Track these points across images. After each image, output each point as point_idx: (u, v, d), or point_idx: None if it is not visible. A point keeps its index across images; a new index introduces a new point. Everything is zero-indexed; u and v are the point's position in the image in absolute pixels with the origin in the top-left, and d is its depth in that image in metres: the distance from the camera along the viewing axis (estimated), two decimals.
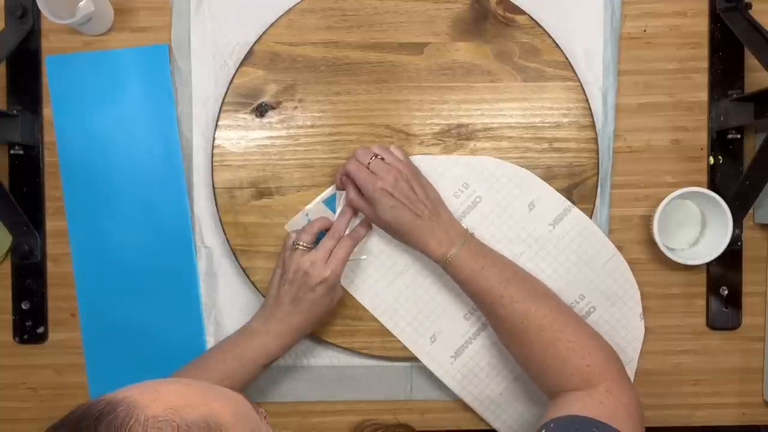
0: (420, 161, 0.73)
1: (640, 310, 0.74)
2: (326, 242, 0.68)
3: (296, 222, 0.73)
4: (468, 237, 0.68)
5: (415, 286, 0.73)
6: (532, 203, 0.73)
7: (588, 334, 0.64)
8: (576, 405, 0.58)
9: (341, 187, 0.71)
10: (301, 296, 0.66)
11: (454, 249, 0.67)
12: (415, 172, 0.69)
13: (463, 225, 0.70)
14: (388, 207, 0.67)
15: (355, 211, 0.71)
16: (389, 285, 0.73)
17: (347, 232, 0.70)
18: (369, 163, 0.68)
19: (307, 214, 0.73)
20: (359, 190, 0.69)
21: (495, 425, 0.74)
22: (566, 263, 0.73)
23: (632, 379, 0.74)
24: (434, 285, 0.73)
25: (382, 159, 0.68)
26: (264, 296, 0.74)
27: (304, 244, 0.68)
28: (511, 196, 0.73)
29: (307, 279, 0.66)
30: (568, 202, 0.73)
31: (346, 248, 0.68)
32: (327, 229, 0.70)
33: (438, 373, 0.73)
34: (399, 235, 0.69)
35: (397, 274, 0.73)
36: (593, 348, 0.63)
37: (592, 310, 0.73)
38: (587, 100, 0.74)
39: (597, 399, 0.59)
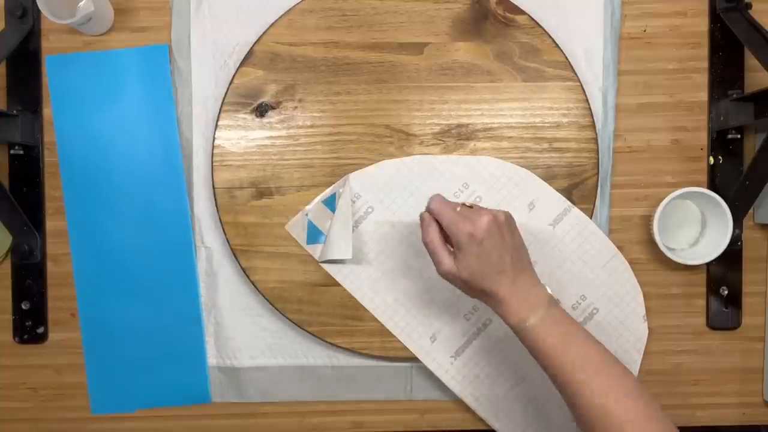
0: (420, 161, 0.73)
1: (643, 311, 0.74)
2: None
3: (296, 222, 0.73)
4: (552, 305, 0.60)
5: (415, 287, 0.73)
6: (532, 203, 0.73)
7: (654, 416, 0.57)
8: None
9: (423, 223, 0.63)
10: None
11: (534, 318, 0.59)
12: (511, 219, 0.62)
13: (547, 290, 0.62)
14: (473, 256, 0.59)
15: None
16: (389, 285, 0.73)
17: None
18: (458, 208, 0.61)
19: (306, 215, 0.73)
20: (440, 230, 0.62)
21: (495, 426, 0.74)
22: (566, 263, 0.73)
23: None
24: (434, 285, 0.73)
25: (471, 206, 0.62)
26: (264, 297, 0.74)
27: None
28: (511, 196, 0.73)
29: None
30: (568, 202, 0.73)
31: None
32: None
33: (438, 373, 0.73)
34: (471, 289, 0.61)
35: (397, 274, 0.73)
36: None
37: (594, 311, 0.73)
38: (587, 100, 0.74)
39: None
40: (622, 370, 0.59)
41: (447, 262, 0.61)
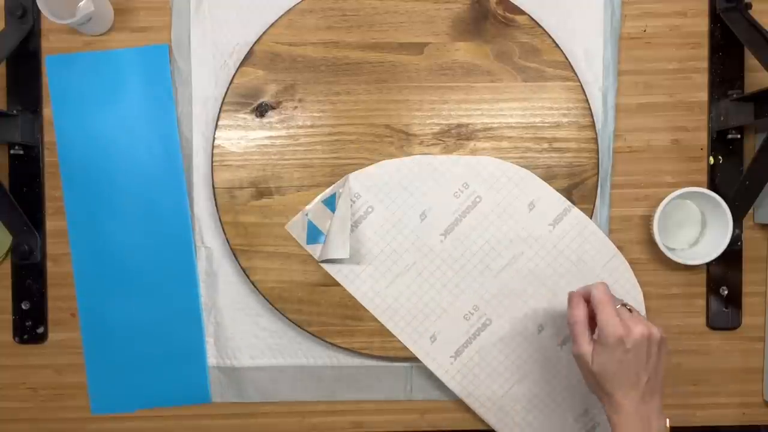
0: (420, 161, 0.73)
1: (643, 311, 0.74)
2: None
3: (296, 222, 0.73)
4: None
5: (415, 286, 0.73)
6: (532, 203, 0.73)
7: None
8: None
9: (572, 301, 0.64)
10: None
11: None
12: (664, 341, 0.61)
13: (667, 423, 0.61)
14: (614, 360, 0.59)
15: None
16: (389, 285, 0.73)
17: None
18: (619, 306, 0.61)
19: (306, 215, 0.73)
20: (587, 313, 0.62)
21: (495, 426, 0.74)
22: (566, 263, 0.73)
23: None
24: (435, 285, 0.73)
25: (630, 310, 0.62)
26: (264, 297, 0.74)
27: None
28: (511, 196, 0.73)
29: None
30: (568, 202, 0.73)
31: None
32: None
33: (438, 373, 0.73)
34: (596, 383, 0.61)
35: (397, 274, 0.73)
36: None
37: None
38: (587, 100, 0.74)
39: None
40: None
41: (586, 348, 0.61)
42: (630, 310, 0.62)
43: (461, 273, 0.73)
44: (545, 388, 0.74)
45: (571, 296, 0.64)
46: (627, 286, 0.73)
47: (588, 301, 0.63)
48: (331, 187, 0.74)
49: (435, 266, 0.73)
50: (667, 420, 0.61)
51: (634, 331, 0.59)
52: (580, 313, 0.63)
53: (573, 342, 0.63)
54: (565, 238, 0.73)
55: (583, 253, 0.73)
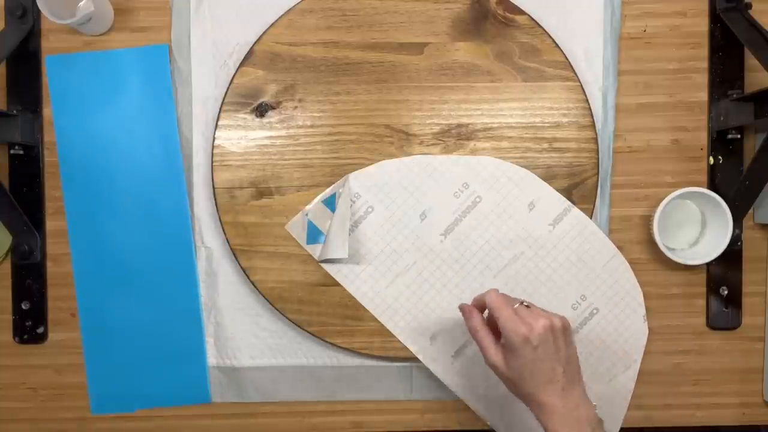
0: (420, 161, 0.73)
1: (643, 311, 0.74)
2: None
3: (296, 222, 0.73)
4: (599, 427, 0.59)
5: (415, 286, 0.73)
6: (532, 203, 0.73)
7: None
8: None
9: (465, 313, 0.63)
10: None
11: None
12: (567, 327, 0.61)
13: (595, 409, 0.60)
14: (526, 360, 0.58)
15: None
16: (389, 285, 0.73)
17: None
18: (516, 305, 0.60)
19: (306, 215, 0.73)
20: (484, 320, 0.62)
21: (496, 426, 0.74)
22: (566, 263, 0.73)
23: (634, 381, 0.74)
24: (434, 285, 0.73)
25: (528, 306, 0.61)
26: (264, 297, 0.74)
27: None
28: (511, 196, 0.73)
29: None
30: (568, 202, 0.73)
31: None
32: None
33: (438, 373, 0.73)
34: (517, 389, 0.60)
35: (397, 274, 0.73)
36: None
37: (594, 311, 0.73)
38: (587, 100, 0.74)
39: None
40: None
41: (495, 356, 0.59)
42: (528, 306, 0.60)
43: (461, 273, 0.73)
44: None
45: (462, 308, 0.63)
46: (627, 286, 0.73)
47: (484, 309, 0.62)
48: (331, 187, 0.74)
49: (435, 266, 0.73)
50: (595, 405, 0.60)
51: (536, 326, 0.58)
52: (476, 321, 0.61)
53: (482, 353, 0.61)
54: (565, 238, 0.73)
55: (583, 253, 0.73)
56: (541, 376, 0.58)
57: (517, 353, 0.58)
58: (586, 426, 0.57)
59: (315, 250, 0.73)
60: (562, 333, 0.59)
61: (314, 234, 0.73)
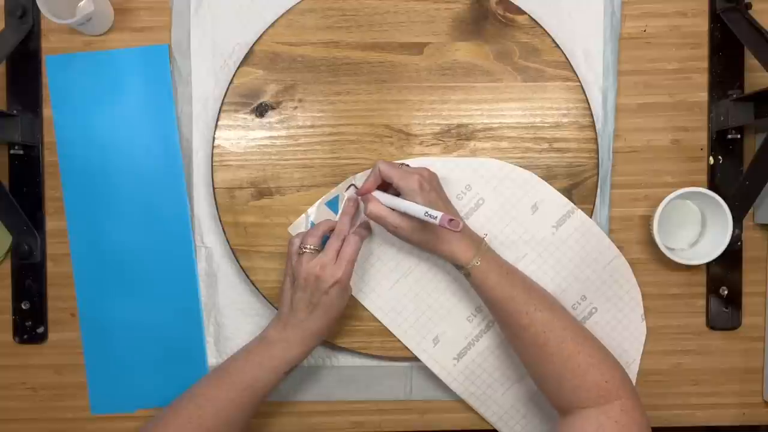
0: (422, 164, 0.73)
1: (641, 311, 0.74)
2: (333, 243, 0.67)
3: (298, 225, 0.73)
4: (486, 243, 0.68)
5: (417, 288, 0.73)
6: (535, 205, 0.73)
7: (603, 350, 0.64)
8: (592, 424, 0.59)
9: (349, 199, 0.71)
10: (316, 301, 0.66)
11: (479, 255, 0.66)
12: (435, 175, 0.69)
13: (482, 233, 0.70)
14: (427, 203, 0.65)
15: (356, 210, 0.71)
16: (392, 287, 0.73)
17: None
18: (400, 167, 0.68)
19: (309, 217, 0.73)
20: (379, 203, 0.67)
21: (498, 426, 0.74)
22: (569, 265, 0.73)
23: (634, 381, 0.74)
24: (437, 287, 0.73)
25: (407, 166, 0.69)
26: (264, 297, 0.74)
27: (311, 247, 0.67)
28: (514, 197, 0.73)
29: (320, 283, 0.65)
30: (572, 204, 0.73)
31: (354, 246, 0.67)
32: (331, 231, 0.69)
33: (441, 375, 0.73)
34: (425, 243, 0.67)
35: (400, 276, 0.73)
36: (610, 364, 0.63)
37: (593, 311, 0.73)
38: (587, 100, 0.74)
39: (613, 418, 0.59)
40: (549, 293, 0.70)
41: (396, 221, 0.66)
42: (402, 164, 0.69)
43: None
44: None
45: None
46: (626, 286, 0.73)
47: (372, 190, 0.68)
48: (335, 189, 0.73)
49: (438, 268, 0.73)
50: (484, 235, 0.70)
51: (423, 173, 0.66)
52: (374, 203, 0.67)
53: (384, 224, 0.67)
54: (569, 240, 0.73)
55: (585, 255, 0.73)
56: (446, 206, 0.68)
57: (424, 195, 0.65)
58: (479, 246, 0.67)
59: None
60: (435, 179, 0.68)
61: None
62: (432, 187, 0.66)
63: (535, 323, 0.64)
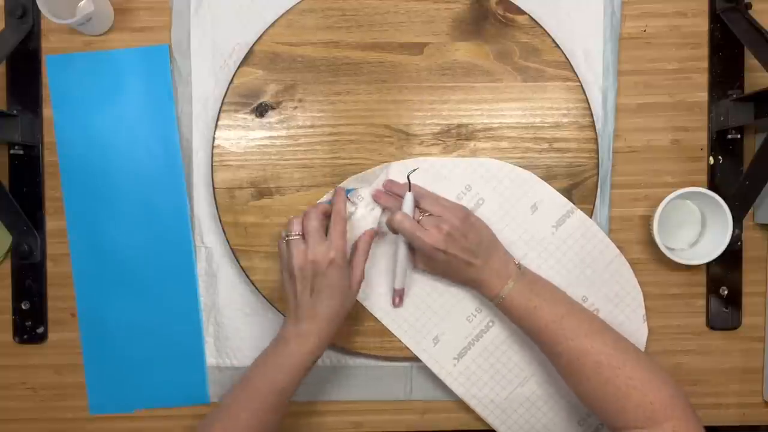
0: (422, 164, 0.73)
1: (643, 311, 0.74)
2: (314, 224, 0.65)
3: None
4: (520, 273, 0.68)
5: (417, 289, 0.73)
6: (535, 205, 0.73)
7: (650, 369, 0.62)
8: None
9: (380, 199, 0.72)
10: (317, 286, 0.64)
11: (506, 288, 0.67)
12: (466, 216, 0.68)
13: (515, 260, 0.70)
14: (442, 262, 0.67)
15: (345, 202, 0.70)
16: (392, 287, 0.73)
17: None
18: (419, 220, 0.67)
19: None
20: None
21: (499, 428, 0.74)
22: (569, 265, 0.73)
23: None
24: (437, 287, 0.73)
25: (430, 214, 0.67)
26: (264, 297, 0.74)
27: (295, 233, 0.65)
28: (513, 198, 0.73)
29: (316, 266, 0.64)
30: (571, 204, 0.73)
31: (340, 223, 0.66)
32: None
33: (441, 375, 0.73)
34: (448, 279, 0.72)
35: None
36: (656, 384, 0.61)
37: (596, 312, 0.73)
38: (587, 100, 0.74)
39: None
40: (592, 314, 0.68)
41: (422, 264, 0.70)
42: (430, 214, 0.68)
43: None
44: (549, 390, 0.73)
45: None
46: (627, 287, 0.73)
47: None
48: (329, 193, 0.73)
49: None
50: (515, 258, 0.70)
51: (438, 236, 0.65)
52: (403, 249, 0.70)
53: (415, 264, 0.71)
54: (568, 240, 0.73)
55: (585, 255, 0.73)
56: (461, 266, 0.67)
57: (434, 260, 0.67)
58: (510, 278, 0.67)
59: None
60: (462, 224, 0.66)
61: None
62: (451, 245, 0.66)
63: (569, 351, 0.64)
